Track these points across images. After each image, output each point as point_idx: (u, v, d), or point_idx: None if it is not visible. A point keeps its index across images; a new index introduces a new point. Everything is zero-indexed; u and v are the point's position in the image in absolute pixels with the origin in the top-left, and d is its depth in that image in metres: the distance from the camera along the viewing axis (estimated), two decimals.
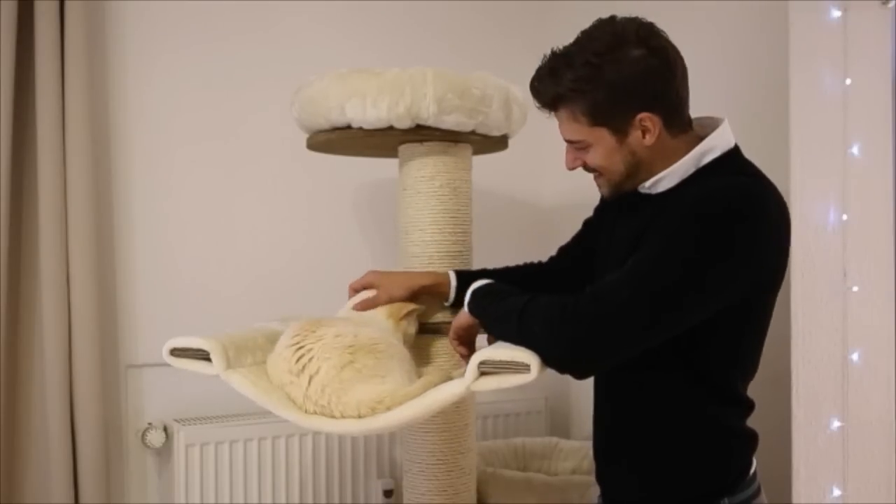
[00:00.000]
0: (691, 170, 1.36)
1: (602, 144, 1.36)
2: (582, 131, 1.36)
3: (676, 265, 1.24)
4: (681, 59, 1.36)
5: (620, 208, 1.48)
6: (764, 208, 1.29)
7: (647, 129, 1.33)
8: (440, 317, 1.76)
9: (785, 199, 1.37)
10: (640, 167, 1.37)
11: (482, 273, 1.66)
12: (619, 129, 1.34)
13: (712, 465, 1.39)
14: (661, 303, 1.23)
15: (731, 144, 1.38)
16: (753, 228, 1.27)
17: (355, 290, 1.67)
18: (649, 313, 1.24)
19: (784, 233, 1.36)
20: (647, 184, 1.39)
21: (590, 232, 1.65)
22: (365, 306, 1.62)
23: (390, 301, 1.63)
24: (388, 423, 1.38)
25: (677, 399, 1.39)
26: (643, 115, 1.32)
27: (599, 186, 1.45)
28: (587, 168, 1.42)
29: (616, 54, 1.31)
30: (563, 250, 1.72)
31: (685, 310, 1.26)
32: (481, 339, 1.49)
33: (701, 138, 1.37)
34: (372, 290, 1.65)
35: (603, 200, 1.60)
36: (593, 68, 1.31)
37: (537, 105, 1.40)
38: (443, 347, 1.74)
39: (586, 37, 1.34)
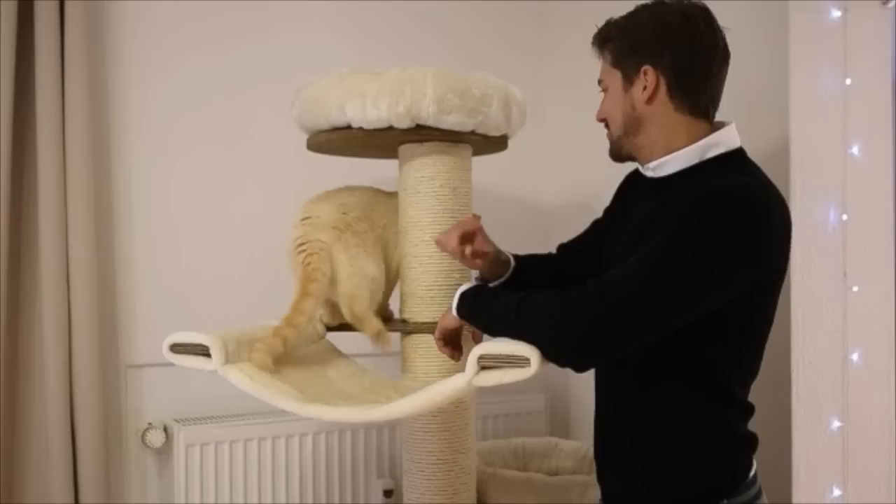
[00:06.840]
0: (695, 160, 1.39)
1: (613, 87, 1.44)
2: (605, 70, 1.47)
3: (678, 261, 1.25)
4: (716, 45, 1.42)
5: (634, 197, 1.52)
6: (766, 209, 1.30)
7: (647, 84, 1.39)
8: (428, 318, 1.78)
9: (785, 199, 1.38)
10: (639, 129, 1.42)
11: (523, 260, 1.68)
12: (628, 76, 1.42)
13: (712, 466, 1.40)
14: (662, 298, 1.24)
15: (737, 145, 1.41)
16: (756, 228, 1.27)
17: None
18: (651, 308, 1.24)
19: (785, 235, 1.36)
20: (652, 165, 1.43)
21: (597, 230, 1.66)
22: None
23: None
24: (389, 415, 1.38)
25: (680, 401, 1.39)
26: (647, 67, 1.39)
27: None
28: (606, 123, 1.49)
29: (656, 14, 1.41)
30: (564, 247, 1.73)
31: (686, 305, 1.27)
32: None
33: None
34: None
35: (616, 197, 1.63)
36: (635, 19, 1.43)
37: (593, 44, 1.49)
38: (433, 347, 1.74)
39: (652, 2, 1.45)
